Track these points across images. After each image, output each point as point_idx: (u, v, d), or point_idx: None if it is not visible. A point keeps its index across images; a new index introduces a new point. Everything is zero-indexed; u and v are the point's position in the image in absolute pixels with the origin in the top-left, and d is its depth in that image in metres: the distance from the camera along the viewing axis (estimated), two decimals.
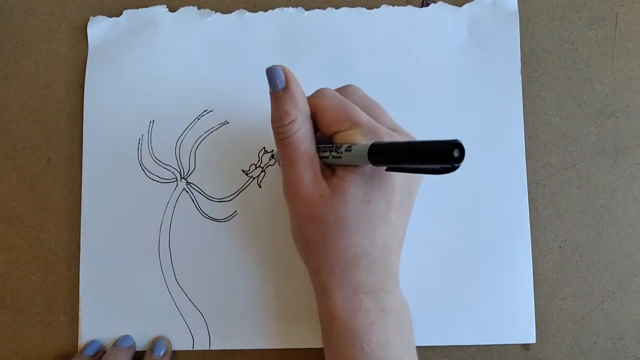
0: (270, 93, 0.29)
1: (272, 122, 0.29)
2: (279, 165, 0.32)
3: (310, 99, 0.30)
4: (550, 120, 0.39)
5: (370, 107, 0.30)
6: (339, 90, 0.31)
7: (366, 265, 0.28)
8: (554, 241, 0.38)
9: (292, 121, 0.28)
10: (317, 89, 0.31)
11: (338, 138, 0.28)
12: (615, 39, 0.39)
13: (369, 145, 0.25)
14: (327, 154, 0.28)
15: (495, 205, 0.37)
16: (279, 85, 0.28)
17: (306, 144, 0.28)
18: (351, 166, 0.28)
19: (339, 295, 0.29)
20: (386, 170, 0.26)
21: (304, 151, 0.28)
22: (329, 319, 0.29)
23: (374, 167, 0.27)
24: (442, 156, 0.21)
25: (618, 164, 0.38)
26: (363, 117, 0.28)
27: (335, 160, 0.28)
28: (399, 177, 0.28)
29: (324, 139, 0.30)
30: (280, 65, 0.29)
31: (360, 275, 0.29)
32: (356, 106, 0.29)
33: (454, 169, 0.22)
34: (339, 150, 0.27)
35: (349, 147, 0.27)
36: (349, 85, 0.32)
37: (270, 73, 0.28)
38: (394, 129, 0.30)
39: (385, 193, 0.28)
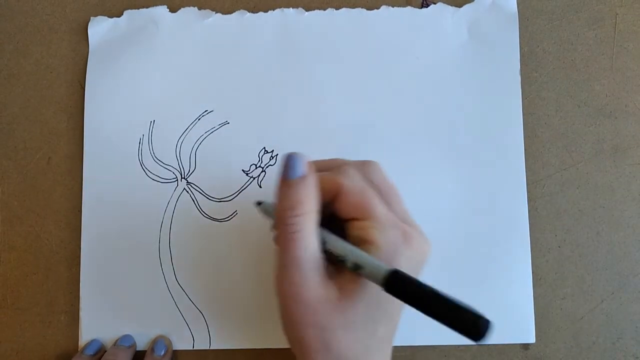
0: (282, 179, 0.26)
1: (281, 210, 0.26)
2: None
3: (333, 176, 0.27)
4: (549, 120, 0.39)
5: (387, 192, 0.28)
6: (359, 164, 0.29)
7: (365, 358, 0.27)
8: (553, 241, 0.38)
9: (304, 213, 0.25)
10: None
11: (354, 227, 0.27)
12: (615, 39, 0.39)
13: (385, 272, 0.24)
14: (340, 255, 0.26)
15: (495, 205, 0.38)
16: (296, 173, 0.26)
17: (314, 242, 0.26)
18: None
19: None
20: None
21: (312, 251, 0.26)
22: None
23: None
24: (467, 328, 0.21)
25: (617, 164, 0.38)
26: (380, 209, 0.27)
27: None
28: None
29: (334, 222, 0.27)
30: (299, 154, 0.26)
31: None
32: (376, 194, 0.27)
33: (475, 339, 0.21)
34: (345, 264, 0.25)
35: (357, 265, 0.25)
36: (370, 163, 0.30)
37: (289, 161, 0.26)
38: (406, 220, 0.28)
39: None
